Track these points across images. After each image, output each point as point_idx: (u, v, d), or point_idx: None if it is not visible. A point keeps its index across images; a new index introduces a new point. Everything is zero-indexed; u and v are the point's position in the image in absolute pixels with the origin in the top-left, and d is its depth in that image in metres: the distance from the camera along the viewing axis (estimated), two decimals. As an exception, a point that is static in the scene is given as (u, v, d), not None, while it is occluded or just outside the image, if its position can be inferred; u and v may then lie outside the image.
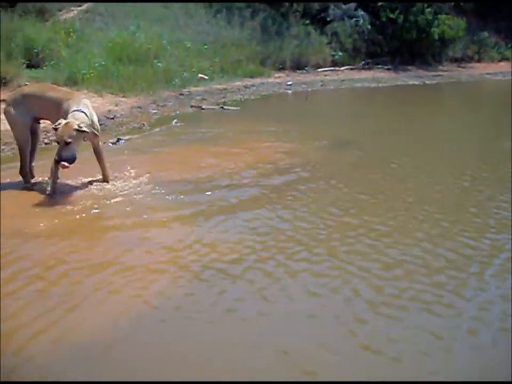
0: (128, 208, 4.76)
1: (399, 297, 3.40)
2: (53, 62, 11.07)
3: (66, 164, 4.64)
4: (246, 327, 3.13)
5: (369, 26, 19.09)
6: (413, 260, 3.90)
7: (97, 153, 5.38)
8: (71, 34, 12.41)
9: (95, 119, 5.19)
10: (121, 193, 5.13)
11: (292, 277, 3.63)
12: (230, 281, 3.57)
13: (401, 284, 3.56)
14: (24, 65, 10.77)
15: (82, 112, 4.90)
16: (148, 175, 5.65)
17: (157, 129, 8.20)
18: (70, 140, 4.62)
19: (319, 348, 2.91)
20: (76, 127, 4.66)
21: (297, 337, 3.01)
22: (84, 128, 4.72)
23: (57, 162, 4.75)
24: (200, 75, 13.11)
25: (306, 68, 17.12)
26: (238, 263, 3.81)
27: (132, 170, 5.79)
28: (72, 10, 14.31)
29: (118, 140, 7.35)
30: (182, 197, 5.10)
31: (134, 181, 5.44)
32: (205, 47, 14.34)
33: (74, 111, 4.88)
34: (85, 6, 14.57)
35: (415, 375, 2.73)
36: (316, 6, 18.77)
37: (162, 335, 3.03)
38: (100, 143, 5.47)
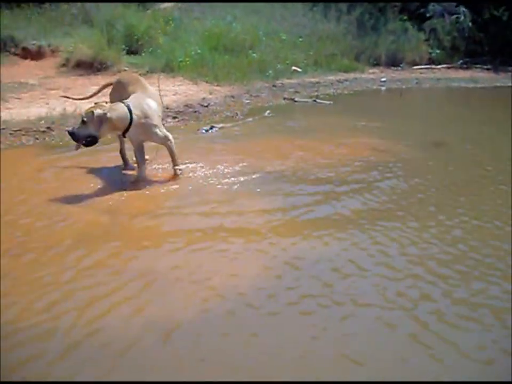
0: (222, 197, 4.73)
1: None
2: (151, 49, 11.32)
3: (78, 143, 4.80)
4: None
5: (470, 24, 18.21)
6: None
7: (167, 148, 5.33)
8: (170, 22, 12.65)
9: (149, 114, 5.00)
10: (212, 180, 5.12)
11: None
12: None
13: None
14: (124, 51, 11.10)
15: (126, 105, 4.87)
16: (242, 163, 5.61)
17: (250, 119, 8.15)
18: (85, 119, 4.68)
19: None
20: (92, 109, 4.72)
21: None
22: (96, 112, 4.68)
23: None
24: (293, 67, 12.98)
25: (401, 65, 16.58)
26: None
27: (223, 158, 5.79)
28: (172, -1, 14.59)
29: (211, 127, 7.38)
30: (274, 187, 5.01)
31: (226, 169, 5.42)
32: (300, 39, 14.19)
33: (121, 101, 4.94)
34: (185, -5, 14.80)
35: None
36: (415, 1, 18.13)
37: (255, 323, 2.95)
38: (173, 138, 5.33)
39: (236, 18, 13.88)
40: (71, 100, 6.43)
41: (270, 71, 12.08)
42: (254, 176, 5.26)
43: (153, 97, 5.27)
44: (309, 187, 5.09)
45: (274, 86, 11.46)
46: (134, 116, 4.84)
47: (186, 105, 8.58)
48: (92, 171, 5.44)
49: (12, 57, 10.94)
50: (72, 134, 4.73)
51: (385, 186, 5.20)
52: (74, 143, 4.87)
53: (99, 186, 4.98)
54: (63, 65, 10.65)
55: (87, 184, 5.03)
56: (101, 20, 11.56)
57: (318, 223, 4.25)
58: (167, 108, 8.33)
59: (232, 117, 8.27)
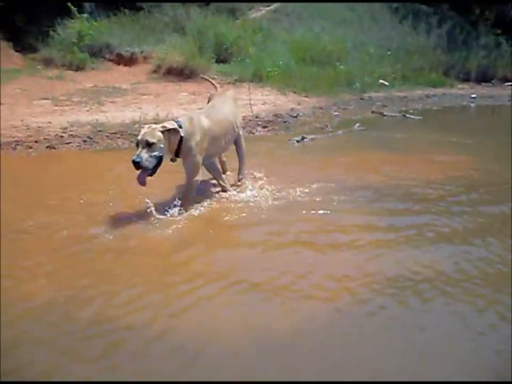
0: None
1: None
2: (240, 58, 11.41)
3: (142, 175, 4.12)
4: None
5: None
6: None
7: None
8: (258, 32, 12.71)
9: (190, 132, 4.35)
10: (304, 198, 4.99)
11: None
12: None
13: None
14: (214, 59, 11.24)
15: (189, 118, 4.45)
16: (338, 177, 5.47)
17: (340, 132, 8.00)
18: (152, 141, 4.06)
19: None
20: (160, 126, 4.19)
21: None
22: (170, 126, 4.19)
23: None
24: (381, 81, 12.74)
25: (492, 81, 15.96)
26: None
27: (316, 171, 5.68)
28: (261, 10, 14.67)
29: (302, 138, 7.29)
30: (370, 204, 4.84)
31: (321, 183, 5.27)
32: (388, 52, 13.93)
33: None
34: (274, 6, 14.87)
35: None
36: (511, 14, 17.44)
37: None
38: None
39: (323, 29, 13.79)
40: (210, 81, 6.57)
41: (357, 84, 11.90)
42: (352, 192, 5.07)
43: (213, 115, 4.67)
44: (412, 205, 4.87)
45: (361, 98, 11.27)
46: (184, 134, 4.28)
47: (276, 115, 8.54)
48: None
49: (107, 63, 11.33)
50: (138, 164, 3.99)
51: (489, 210, 4.90)
52: None
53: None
54: (154, 71, 10.93)
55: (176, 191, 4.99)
56: (192, 29, 11.77)
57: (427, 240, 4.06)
58: (257, 117, 8.34)
59: (322, 128, 8.15)
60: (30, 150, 6.57)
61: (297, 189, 4.97)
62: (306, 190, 4.97)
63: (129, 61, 11.40)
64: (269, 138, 7.43)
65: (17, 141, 6.85)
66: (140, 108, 8.32)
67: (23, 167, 5.91)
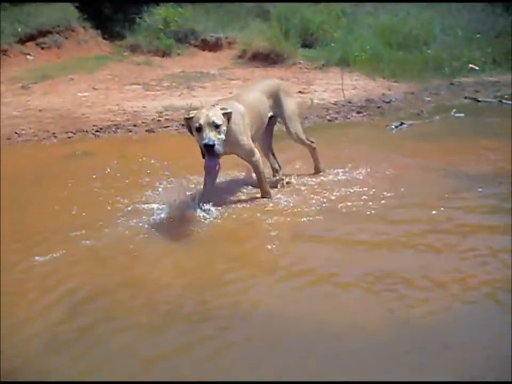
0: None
1: None
2: (325, 42, 11.21)
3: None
4: None
5: None
6: None
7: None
8: (342, 16, 12.45)
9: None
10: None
11: None
12: None
13: None
14: (299, 44, 11.09)
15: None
16: (447, 165, 5.22)
17: (437, 117, 7.69)
18: (219, 122, 3.81)
19: None
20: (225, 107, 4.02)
21: None
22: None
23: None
24: (470, 65, 12.18)
25: None
26: None
27: (422, 158, 5.45)
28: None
29: (401, 123, 7.05)
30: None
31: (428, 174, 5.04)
32: (477, 35, 13.31)
33: None
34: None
35: None
36: None
37: None
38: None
39: (409, 13, 13.33)
40: None
41: (446, 69, 11.43)
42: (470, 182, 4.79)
43: (245, 101, 4.36)
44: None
45: (451, 84, 10.80)
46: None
47: (368, 100, 8.33)
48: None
49: (192, 49, 11.43)
50: (212, 147, 3.72)
51: None
52: None
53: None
54: (239, 56, 10.92)
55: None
56: (276, 14, 11.64)
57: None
58: (349, 102, 8.16)
59: (418, 114, 7.86)
60: (130, 133, 6.68)
61: (409, 178, 4.79)
62: (420, 181, 4.75)
63: (214, 47, 11.45)
64: (365, 123, 7.24)
65: (117, 125, 6.99)
66: (230, 93, 8.29)
67: (133, 148, 5.99)
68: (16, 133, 6.99)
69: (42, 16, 11.59)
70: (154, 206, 4.16)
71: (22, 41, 11.35)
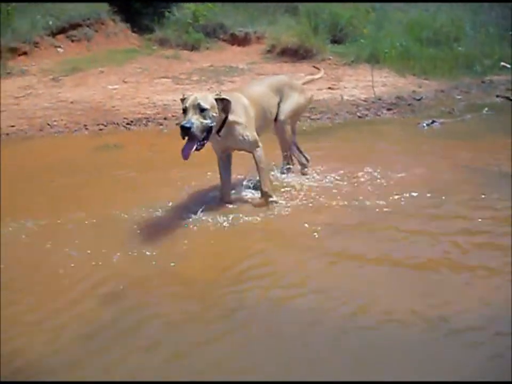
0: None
1: None
2: (355, 38, 11.12)
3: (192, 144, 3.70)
4: None
5: None
6: None
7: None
8: (371, 11, 12.33)
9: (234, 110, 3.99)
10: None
11: None
12: None
13: None
14: (328, 40, 11.02)
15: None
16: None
17: (468, 116, 7.59)
18: (205, 106, 3.70)
19: None
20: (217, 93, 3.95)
21: None
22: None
23: None
24: (502, 63, 12.00)
25: None
26: None
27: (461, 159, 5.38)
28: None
29: (433, 121, 6.99)
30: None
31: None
32: (510, 33, 13.08)
33: None
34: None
35: None
36: None
37: None
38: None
39: (439, 8, 13.15)
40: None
41: (477, 66, 11.27)
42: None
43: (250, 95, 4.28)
44: None
45: (483, 82, 10.65)
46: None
47: (398, 98, 8.25)
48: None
49: (221, 43, 11.44)
50: (188, 130, 3.58)
51: None
52: None
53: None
54: (268, 51, 10.88)
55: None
56: (305, 9, 11.57)
57: None
58: (379, 99, 8.10)
59: (449, 112, 7.77)
60: (161, 126, 6.72)
61: (442, 177, 4.74)
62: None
63: (242, 41, 11.44)
64: (396, 121, 7.19)
65: (147, 118, 7.04)
66: (260, 88, 8.29)
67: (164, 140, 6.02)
68: (48, 124, 7.08)
69: (73, 10, 11.69)
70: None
71: (53, 34, 11.45)
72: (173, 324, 2.76)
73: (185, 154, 3.64)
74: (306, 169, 4.87)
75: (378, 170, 4.83)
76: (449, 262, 3.27)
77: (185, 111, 3.68)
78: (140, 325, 2.76)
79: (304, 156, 4.91)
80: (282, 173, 4.76)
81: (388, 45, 10.66)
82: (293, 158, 4.87)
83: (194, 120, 3.60)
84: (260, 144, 4.17)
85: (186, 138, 3.63)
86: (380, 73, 9.72)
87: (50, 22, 11.44)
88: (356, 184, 4.58)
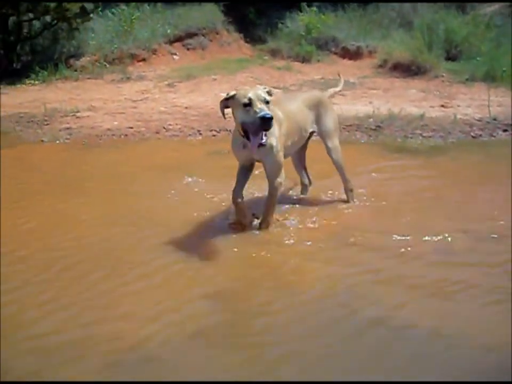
0: None
1: None
2: (471, 56, 10.77)
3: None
4: None
5: None
6: None
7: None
8: (492, 28, 11.88)
9: None
10: None
11: None
12: None
13: None
14: (443, 56, 10.76)
15: None
16: None
17: None
18: (269, 99, 3.59)
19: None
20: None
21: None
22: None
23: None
24: None
25: None
26: None
27: None
28: (494, 5, 13.70)
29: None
30: None
31: None
32: None
33: None
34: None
35: None
36: None
37: None
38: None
39: None
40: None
41: None
42: None
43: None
44: None
45: None
46: None
47: (519, 118, 7.87)
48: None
49: (332, 56, 11.51)
50: (271, 120, 3.41)
51: None
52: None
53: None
54: (380, 66, 10.79)
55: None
56: (420, 24, 11.37)
57: None
58: (495, 119, 7.77)
59: None
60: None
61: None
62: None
63: (354, 55, 11.44)
64: (512, 143, 6.89)
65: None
66: (370, 102, 8.25)
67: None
68: (164, 127, 7.42)
69: (190, 19, 12.22)
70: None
71: (170, 42, 12.03)
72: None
73: (255, 147, 3.53)
74: (305, 193, 4.77)
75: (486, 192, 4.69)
76: None
77: (248, 104, 3.47)
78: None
79: (308, 177, 4.77)
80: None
81: (507, 63, 10.23)
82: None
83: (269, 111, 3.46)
84: (283, 174, 3.93)
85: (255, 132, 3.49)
86: (496, 92, 9.33)
87: (169, 31, 12.02)
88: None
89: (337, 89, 4.97)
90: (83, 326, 2.87)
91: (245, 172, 4.00)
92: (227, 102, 3.68)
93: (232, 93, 3.65)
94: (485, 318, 2.92)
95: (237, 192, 3.92)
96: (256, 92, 3.53)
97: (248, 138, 3.56)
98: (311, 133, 4.44)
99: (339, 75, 5.25)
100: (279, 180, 3.88)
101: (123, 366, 2.54)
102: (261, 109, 3.40)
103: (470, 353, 2.63)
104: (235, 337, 2.81)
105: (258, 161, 3.93)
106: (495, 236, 3.85)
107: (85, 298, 3.14)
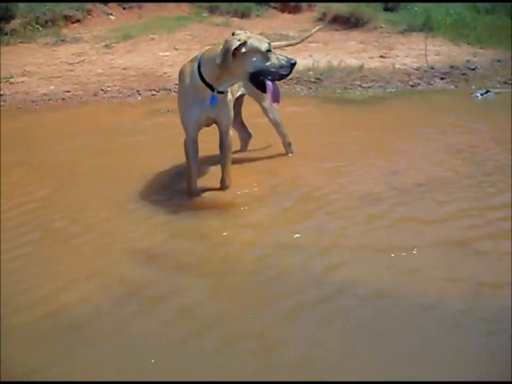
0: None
1: None
2: (408, 6, 10.88)
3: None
4: None
5: None
6: None
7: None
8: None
9: None
10: None
11: None
12: None
13: None
14: (381, 8, 10.82)
15: None
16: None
17: (525, 86, 7.39)
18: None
19: None
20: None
21: None
22: None
23: None
24: None
25: None
26: None
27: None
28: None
29: (487, 91, 6.84)
30: None
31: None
32: None
33: None
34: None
35: None
36: None
37: None
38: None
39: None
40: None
41: (537, 35, 10.86)
42: None
43: None
44: None
45: (542, 51, 10.29)
46: None
47: (452, 67, 8.04)
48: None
49: (271, 11, 11.38)
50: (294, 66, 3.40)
51: None
52: None
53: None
54: (319, 19, 10.75)
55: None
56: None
57: None
58: (432, 68, 7.93)
59: (505, 82, 7.56)
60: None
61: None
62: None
63: (293, 9, 11.36)
64: (449, 90, 7.06)
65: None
66: (310, 56, 8.26)
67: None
68: (102, 89, 7.23)
69: (125, -23, 11.79)
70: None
71: (105, 2, 11.60)
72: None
73: (278, 94, 3.42)
74: (246, 147, 4.75)
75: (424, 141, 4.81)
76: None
77: (269, 51, 3.35)
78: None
79: (247, 131, 4.74)
80: None
81: (442, 13, 10.39)
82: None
83: None
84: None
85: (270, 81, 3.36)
86: (433, 41, 9.50)
87: (102, -10, 11.57)
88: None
89: (283, 43, 4.68)
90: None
91: (195, 147, 3.77)
92: (237, 50, 3.30)
93: (241, 39, 3.30)
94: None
95: (194, 184, 3.86)
96: (268, 42, 3.38)
97: (259, 87, 3.41)
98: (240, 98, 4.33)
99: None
100: (231, 133, 3.85)
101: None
102: (281, 55, 3.37)
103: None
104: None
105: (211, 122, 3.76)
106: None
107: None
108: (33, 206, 3.74)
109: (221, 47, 3.35)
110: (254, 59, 3.33)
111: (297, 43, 4.72)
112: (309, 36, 4.85)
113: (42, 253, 3.13)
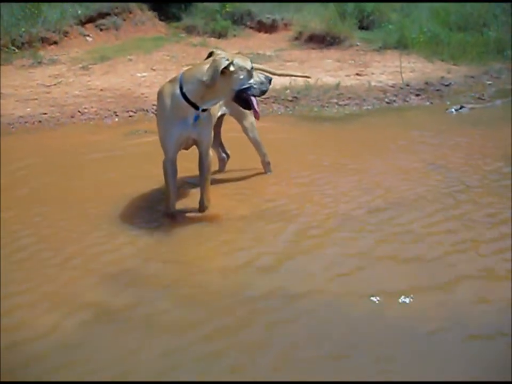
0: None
1: None
2: (383, 24, 11.06)
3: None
4: None
5: None
6: None
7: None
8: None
9: None
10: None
11: None
12: None
13: None
14: (356, 26, 10.98)
15: None
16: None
17: (499, 101, 7.52)
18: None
19: None
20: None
21: None
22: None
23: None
24: (534, 48, 11.78)
25: None
26: None
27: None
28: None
29: (461, 107, 6.96)
30: None
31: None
32: (543, 17, 12.82)
33: None
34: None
35: None
36: None
37: None
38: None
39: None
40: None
41: (508, 51, 11.08)
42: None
43: None
44: None
45: (514, 67, 10.50)
46: None
47: (427, 83, 8.19)
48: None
49: (248, 30, 11.49)
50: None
51: None
52: None
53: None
54: (296, 38, 10.90)
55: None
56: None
57: None
58: (407, 85, 8.06)
59: (479, 98, 7.70)
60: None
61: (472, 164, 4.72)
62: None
63: (270, 28, 11.49)
64: (424, 107, 7.17)
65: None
66: (287, 74, 8.32)
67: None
68: (79, 111, 7.20)
69: (101, -2, 11.83)
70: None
71: (82, 23, 11.61)
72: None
73: (259, 110, 3.59)
74: (224, 167, 4.77)
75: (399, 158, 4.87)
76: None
77: (251, 71, 3.46)
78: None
79: (225, 152, 4.77)
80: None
81: (416, 30, 10.59)
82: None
83: None
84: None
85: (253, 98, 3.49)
86: (408, 59, 9.67)
87: (79, 11, 11.59)
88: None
89: (267, 68, 4.66)
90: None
91: (174, 169, 3.74)
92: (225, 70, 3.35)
93: (228, 59, 3.34)
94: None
95: (173, 205, 3.82)
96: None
97: (242, 105, 3.53)
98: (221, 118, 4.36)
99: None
100: (211, 153, 3.84)
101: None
102: (263, 75, 3.52)
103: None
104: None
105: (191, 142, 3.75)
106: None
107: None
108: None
109: (208, 66, 3.38)
110: (241, 77, 3.41)
111: (278, 74, 4.75)
112: (292, 75, 5.00)
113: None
